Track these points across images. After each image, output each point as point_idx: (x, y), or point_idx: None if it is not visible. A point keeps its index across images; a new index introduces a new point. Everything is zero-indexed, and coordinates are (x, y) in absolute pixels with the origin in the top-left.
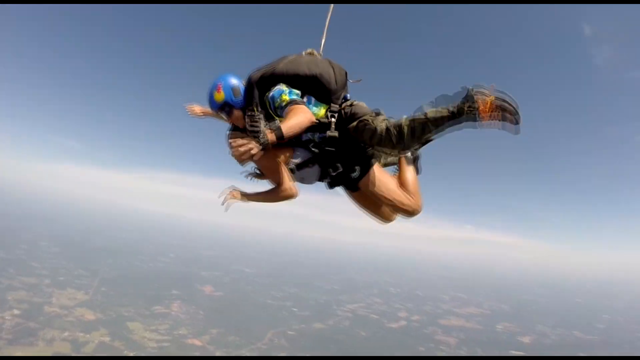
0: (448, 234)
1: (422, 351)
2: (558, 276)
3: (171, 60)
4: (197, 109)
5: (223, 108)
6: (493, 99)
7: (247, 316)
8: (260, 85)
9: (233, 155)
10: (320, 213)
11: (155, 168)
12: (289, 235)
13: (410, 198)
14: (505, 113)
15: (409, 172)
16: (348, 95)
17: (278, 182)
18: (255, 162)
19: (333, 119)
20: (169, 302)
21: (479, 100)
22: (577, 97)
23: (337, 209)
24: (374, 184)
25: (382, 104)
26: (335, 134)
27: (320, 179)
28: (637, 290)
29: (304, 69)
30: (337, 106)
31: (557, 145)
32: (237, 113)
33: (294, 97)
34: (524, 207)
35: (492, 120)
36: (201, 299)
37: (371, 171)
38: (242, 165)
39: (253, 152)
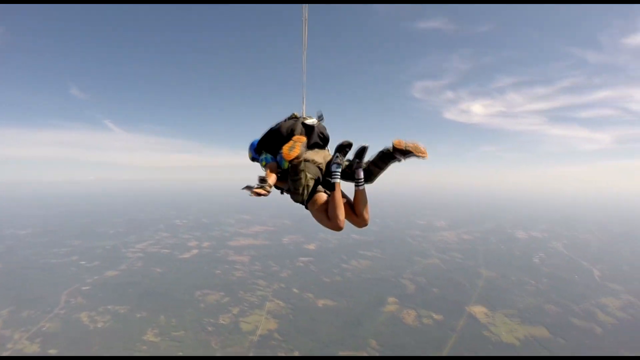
0: (225, 161)
1: (218, 274)
2: None
3: None
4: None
5: (253, 160)
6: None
7: (35, 283)
8: (259, 150)
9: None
10: (90, 153)
11: None
12: (58, 183)
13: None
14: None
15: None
16: None
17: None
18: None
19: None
20: None
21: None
22: (357, 39)
23: (110, 145)
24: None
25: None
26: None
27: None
28: (401, 198)
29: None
30: None
31: (340, 79)
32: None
33: (265, 161)
34: None
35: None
36: None
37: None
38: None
39: (263, 193)
